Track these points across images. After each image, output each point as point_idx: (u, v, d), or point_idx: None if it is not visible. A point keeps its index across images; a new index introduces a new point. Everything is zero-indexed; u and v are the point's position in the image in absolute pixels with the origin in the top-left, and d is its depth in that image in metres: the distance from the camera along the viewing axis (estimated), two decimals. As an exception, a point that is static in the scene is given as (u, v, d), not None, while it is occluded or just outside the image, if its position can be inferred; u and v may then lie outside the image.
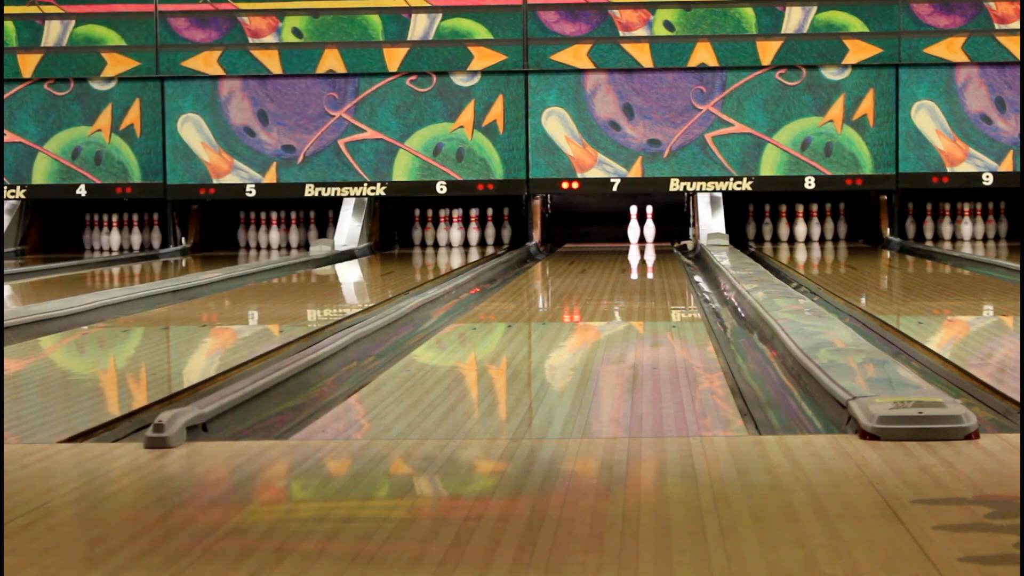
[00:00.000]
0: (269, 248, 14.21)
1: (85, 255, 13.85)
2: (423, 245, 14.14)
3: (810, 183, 13.41)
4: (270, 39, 13.55)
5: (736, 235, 13.67)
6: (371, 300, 8.88)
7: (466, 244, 14.08)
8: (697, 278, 10.06)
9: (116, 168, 13.87)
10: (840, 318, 6.52)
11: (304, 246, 14.11)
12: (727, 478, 3.12)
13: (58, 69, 13.80)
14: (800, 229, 14.02)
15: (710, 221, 13.27)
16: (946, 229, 13.87)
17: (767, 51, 13.32)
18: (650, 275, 10.96)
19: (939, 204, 13.95)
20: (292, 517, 2.94)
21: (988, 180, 13.33)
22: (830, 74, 13.36)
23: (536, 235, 13.88)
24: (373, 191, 13.63)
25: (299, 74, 13.60)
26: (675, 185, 13.49)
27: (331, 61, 13.53)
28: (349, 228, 13.47)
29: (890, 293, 9.12)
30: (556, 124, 13.48)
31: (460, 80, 13.53)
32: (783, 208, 14.08)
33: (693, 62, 13.35)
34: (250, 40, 13.57)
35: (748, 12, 13.31)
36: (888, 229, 13.59)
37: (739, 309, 7.39)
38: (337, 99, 13.61)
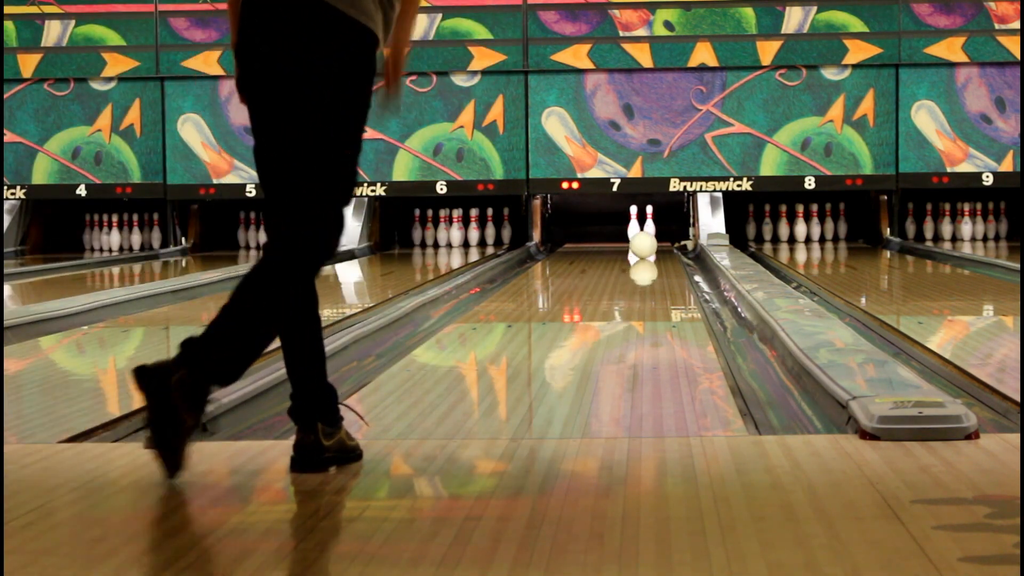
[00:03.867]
0: (269, 248, 14.18)
1: (85, 255, 13.85)
2: (423, 245, 14.14)
3: (810, 183, 13.41)
4: (270, 39, 13.54)
5: (736, 235, 13.67)
6: (371, 300, 8.88)
7: (466, 244, 14.07)
8: (697, 278, 10.06)
9: (116, 168, 13.87)
10: (840, 318, 6.52)
11: (304, 246, 14.08)
12: (727, 478, 3.12)
13: (58, 69, 13.80)
14: (800, 229, 14.02)
15: (710, 221, 13.27)
16: (946, 229, 13.87)
17: (767, 51, 13.32)
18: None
19: (939, 204, 13.94)
20: (292, 517, 2.94)
21: (988, 180, 13.33)
22: (830, 74, 13.36)
23: (536, 235, 13.88)
24: (373, 191, 13.62)
25: (299, 74, 13.58)
26: (675, 185, 13.49)
27: (331, 61, 13.52)
28: (349, 228, 13.46)
29: (890, 293, 9.12)
30: (556, 124, 13.48)
31: (460, 80, 13.52)
32: (783, 208, 14.07)
33: (693, 62, 13.35)
34: (250, 40, 13.56)
35: (748, 12, 13.31)
36: (888, 229, 13.59)
37: (739, 309, 7.39)
38: (337, 99, 13.60)
